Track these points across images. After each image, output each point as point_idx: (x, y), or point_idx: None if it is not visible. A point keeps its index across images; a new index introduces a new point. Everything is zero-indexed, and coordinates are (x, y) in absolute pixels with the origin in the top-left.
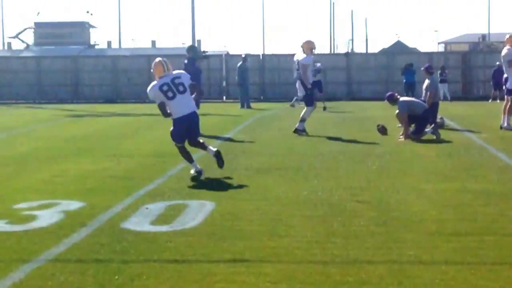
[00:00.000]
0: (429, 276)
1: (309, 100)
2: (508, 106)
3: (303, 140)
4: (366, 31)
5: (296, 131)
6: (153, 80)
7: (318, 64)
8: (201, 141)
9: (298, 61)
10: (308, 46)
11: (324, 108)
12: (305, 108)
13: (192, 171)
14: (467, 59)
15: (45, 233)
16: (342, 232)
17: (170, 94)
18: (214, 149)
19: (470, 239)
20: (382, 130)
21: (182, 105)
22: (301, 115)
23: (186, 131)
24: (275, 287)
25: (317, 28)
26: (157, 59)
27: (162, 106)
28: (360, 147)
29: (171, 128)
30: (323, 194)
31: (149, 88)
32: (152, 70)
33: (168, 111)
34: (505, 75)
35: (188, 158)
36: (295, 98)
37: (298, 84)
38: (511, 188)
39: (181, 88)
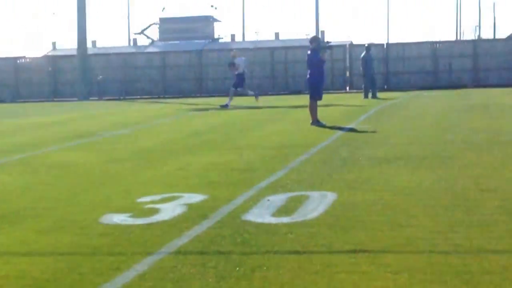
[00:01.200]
0: None
1: None
2: None
3: (426, 129)
4: (494, 16)
5: None
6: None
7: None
8: None
9: None
10: None
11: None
12: None
13: None
14: None
15: (167, 226)
16: (465, 221)
17: None
18: None
19: None
20: None
21: None
22: None
23: None
24: (396, 277)
25: (442, 15)
26: None
27: None
28: (485, 135)
29: None
30: (446, 183)
31: None
32: None
33: None
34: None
35: None
36: None
37: None
38: None
39: None
